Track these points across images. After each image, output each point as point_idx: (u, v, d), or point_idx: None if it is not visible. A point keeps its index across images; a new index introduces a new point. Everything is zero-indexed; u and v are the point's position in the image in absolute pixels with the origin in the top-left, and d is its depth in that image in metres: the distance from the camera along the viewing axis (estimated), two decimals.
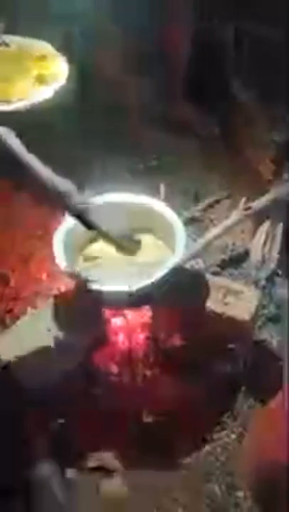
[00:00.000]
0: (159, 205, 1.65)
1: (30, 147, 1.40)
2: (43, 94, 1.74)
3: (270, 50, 2.45)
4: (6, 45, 1.92)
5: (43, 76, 1.80)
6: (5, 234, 2.01)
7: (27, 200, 2.13)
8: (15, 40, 1.92)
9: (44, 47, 1.89)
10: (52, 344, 1.52)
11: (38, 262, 1.97)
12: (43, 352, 1.52)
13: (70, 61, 1.83)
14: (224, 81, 2.46)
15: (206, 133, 2.46)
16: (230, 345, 1.59)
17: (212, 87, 2.40)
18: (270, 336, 1.77)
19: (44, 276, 1.93)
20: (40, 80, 1.79)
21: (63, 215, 1.57)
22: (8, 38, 1.92)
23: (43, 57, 1.86)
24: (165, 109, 2.44)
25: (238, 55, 2.50)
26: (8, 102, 1.70)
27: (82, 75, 2.03)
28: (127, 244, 1.56)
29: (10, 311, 1.83)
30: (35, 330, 1.55)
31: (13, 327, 1.62)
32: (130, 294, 1.46)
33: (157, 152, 2.37)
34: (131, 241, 1.58)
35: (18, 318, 1.76)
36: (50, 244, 1.54)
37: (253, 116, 2.34)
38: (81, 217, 1.44)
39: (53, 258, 1.54)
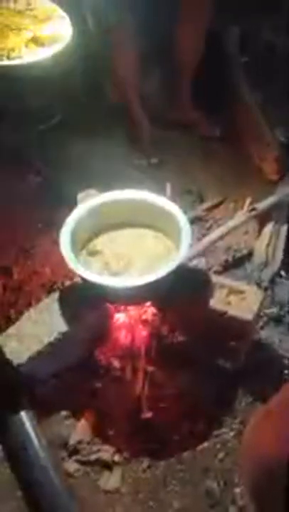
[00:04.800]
0: (165, 202, 1.64)
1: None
2: (38, 55, 1.77)
3: (276, 51, 2.47)
4: (15, 1, 1.93)
5: (39, 38, 1.81)
6: (6, 227, 2.01)
7: (29, 193, 2.14)
8: None
9: (52, 8, 1.91)
10: (55, 338, 1.53)
11: (41, 255, 1.97)
12: (46, 346, 1.53)
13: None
14: (230, 82, 2.47)
15: (210, 133, 2.46)
16: (232, 344, 1.60)
17: (217, 88, 2.41)
18: (272, 335, 1.78)
19: (47, 269, 1.93)
20: (36, 41, 1.80)
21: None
22: None
23: (46, 19, 1.87)
24: (169, 108, 2.45)
25: (244, 56, 2.52)
26: None
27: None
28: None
29: (14, 304, 1.82)
30: (39, 324, 1.56)
31: (17, 322, 1.63)
32: (133, 290, 1.47)
33: (159, 150, 2.36)
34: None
35: (22, 312, 1.78)
36: (52, 238, 1.54)
37: (258, 116, 2.36)
38: None
39: (56, 252, 1.54)
